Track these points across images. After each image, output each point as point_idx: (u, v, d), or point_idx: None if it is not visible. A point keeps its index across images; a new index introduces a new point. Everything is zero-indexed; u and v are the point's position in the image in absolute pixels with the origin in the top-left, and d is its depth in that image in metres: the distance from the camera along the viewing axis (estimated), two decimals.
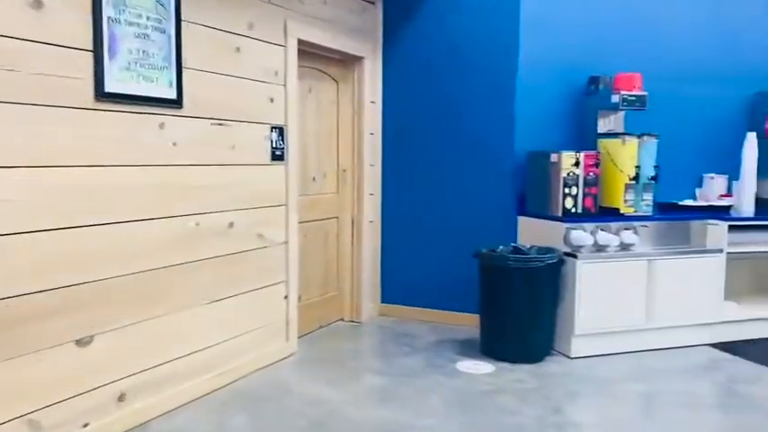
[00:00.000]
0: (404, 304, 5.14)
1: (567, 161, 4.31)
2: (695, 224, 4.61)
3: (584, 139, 4.70)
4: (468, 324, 4.76)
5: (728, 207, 4.85)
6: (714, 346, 4.49)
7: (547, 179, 4.44)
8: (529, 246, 4.34)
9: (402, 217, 5.13)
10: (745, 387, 3.79)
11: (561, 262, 4.16)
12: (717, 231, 4.52)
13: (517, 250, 4.29)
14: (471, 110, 4.84)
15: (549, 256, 4.11)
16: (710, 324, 4.53)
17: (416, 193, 5.07)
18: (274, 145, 3.98)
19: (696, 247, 4.53)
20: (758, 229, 4.72)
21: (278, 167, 4.04)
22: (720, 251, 4.50)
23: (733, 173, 5.02)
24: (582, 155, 4.34)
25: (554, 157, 4.39)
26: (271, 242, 4.00)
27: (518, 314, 4.13)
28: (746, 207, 4.87)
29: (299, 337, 4.37)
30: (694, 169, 5.10)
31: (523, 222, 4.66)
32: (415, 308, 5.09)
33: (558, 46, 4.73)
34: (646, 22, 4.94)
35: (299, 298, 4.39)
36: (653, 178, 4.42)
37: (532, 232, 4.54)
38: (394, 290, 5.19)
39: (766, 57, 5.24)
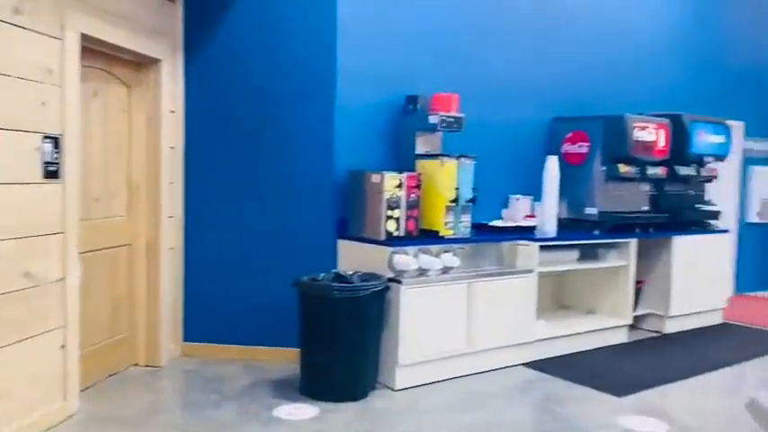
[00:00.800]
0: (212, 342, 4.53)
1: (391, 182, 4.11)
2: (507, 245, 4.68)
3: (403, 159, 4.54)
4: (286, 360, 4.31)
5: (533, 227, 5.01)
6: (528, 365, 4.56)
7: (369, 201, 4.19)
8: (351, 272, 4.04)
9: (209, 242, 4.54)
10: (560, 408, 3.84)
11: (387, 289, 3.92)
12: (528, 251, 4.63)
13: (340, 277, 3.96)
14: (287, 124, 4.44)
15: (375, 283, 3.84)
16: (525, 344, 4.60)
17: (226, 216, 4.52)
18: (48, 159, 3.22)
19: (509, 268, 4.59)
20: (561, 249, 4.95)
21: (52, 186, 3.27)
22: (531, 271, 4.60)
23: (536, 194, 5.23)
24: (404, 176, 4.16)
25: (376, 178, 4.15)
26: (42, 280, 3.21)
27: (344, 348, 3.79)
28: (549, 227, 5.08)
29: (81, 392, 3.59)
30: (501, 190, 5.21)
31: (344, 246, 4.36)
32: (226, 345, 4.51)
33: (377, 61, 4.54)
34: (459, 43, 4.97)
35: (81, 345, 3.61)
36: (471, 200, 4.39)
37: (354, 257, 4.25)
38: (200, 326, 4.56)
39: (562, 82, 5.58)
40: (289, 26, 4.43)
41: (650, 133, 5.18)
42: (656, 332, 5.55)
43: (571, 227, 5.20)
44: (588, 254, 5.14)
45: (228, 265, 4.52)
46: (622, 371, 4.54)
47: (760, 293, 7.61)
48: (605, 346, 5.07)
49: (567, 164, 5.27)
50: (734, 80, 7.20)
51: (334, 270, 4.12)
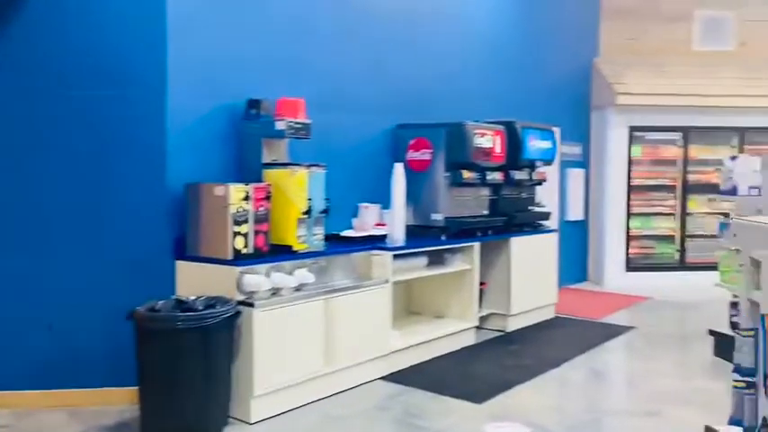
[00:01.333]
0: (27, 388, 3.81)
1: (237, 195, 3.74)
2: (360, 255, 4.52)
3: (248, 169, 4.19)
4: (121, 402, 3.76)
5: (384, 236, 4.92)
6: (386, 378, 4.44)
7: (211, 216, 3.79)
8: (194, 297, 3.61)
9: (10, 269, 3.83)
10: (422, 422, 3.75)
11: (238, 314, 3.55)
12: (382, 261, 4.50)
13: (181, 304, 3.52)
14: (102, 129, 3.88)
15: (224, 308, 3.46)
16: (382, 357, 4.47)
17: (28, 238, 3.84)
18: None
19: (364, 279, 4.44)
20: (411, 256, 4.90)
21: None
22: (387, 281, 4.49)
23: (384, 202, 5.14)
24: (251, 188, 3.82)
25: (219, 191, 3.76)
26: None
27: (190, 383, 3.37)
28: (398, 235, 4.99)
29: None
30: (350, 199, 5.04)
31: (184, 268, 3.91)
32: (45, 391, 3.82)
33: (214, 60, 4.14)
34: (299, 48, 4.71)
35: None
36: (324, 211, 4.16)
37: (196, 280, 3.82)
38: (10, 372, 3.82)
39: (404, 89, 5.56)
40: (107, 15, 3.88)
41: (488, 140, 5.32)
42: (500, 331, 5.73)
43: (418, 233, 5.18)
44: (436, 259, 5.16)
45: (42, 297, 3.84)
46: (477, 375, 4.58)
47: (578, 286, 8.29)
48: (456, 350, 5.12)
49: (411, 170, 5.23)
50: (552, 87, 7.74)
51: (173, 296, 3.68)
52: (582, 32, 8.51)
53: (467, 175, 5.15)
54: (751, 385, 2.92)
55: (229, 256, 3.72)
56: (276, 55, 4.53)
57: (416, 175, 5.25)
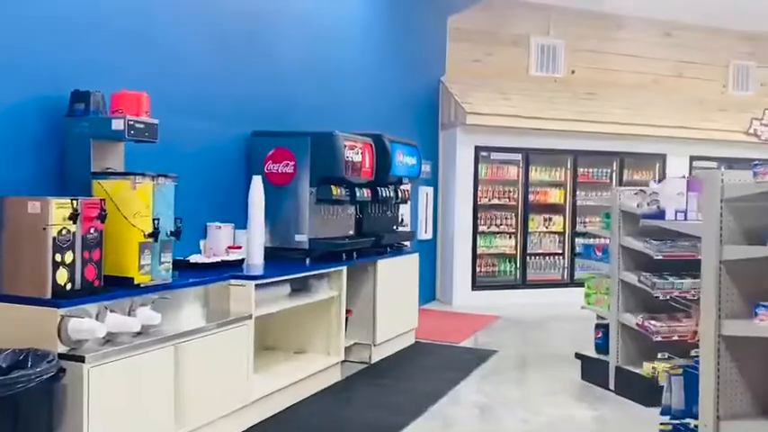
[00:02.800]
0: None
1: (59, 213, 2.83)
2: (216, 286, 3.75)
3: (72, 179, 3.26)
4: None
5: (240, 261, 4.19)
6: None
7: (21, 241, 2.83)
8: None
9: None
10: None
11: (61, 372, 2.64)
12: (243, 293, 3.77)
13: None
14: None
15: (41, 367, 2.54)
16: (243, 408, 3.72)
17: None
18: None
19: (222, 316, 3.67)
20: (272, 284, 4.20)
21: None
22: (249, 316, 3.76)
23: (238, 221, 4.41)
24: (79, 203, 2.92)
25: (34, 207, 2.82)
26: None
27: None
28: (257, 259, 4.30)
29: None
30: (197, 217, 4.22)
31: None
32: None
33: (20, 40, 3.17)
34: (140, 33, 3.85)
35: None
36: (174, 233, 3.34)
37: (0, 327, 2.83)
38: None
39: (261, 90, 4.87)
40: None
41: (358, 153, 4.82)
42: (365, 363, 5.21)
43: (279, 256, 4.52)
44: (300, 287, 4.51)
45: None
46: (352, 421, 4.02)
47: (428, 306, 8.06)
48: (324, 389, 4.50)
49: (271, 185, 4.56)
50: (405, 102, 7.47)
51: None
52: (431, 51, 8.39)
53: (336, 191, 4.58)
54: (678, 428, 2.71)
55: (48, 294, 2.79)
56: (108, 38, 3.64)
57: (276, 189, 4.59)
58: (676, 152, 9.45)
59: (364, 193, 4.91)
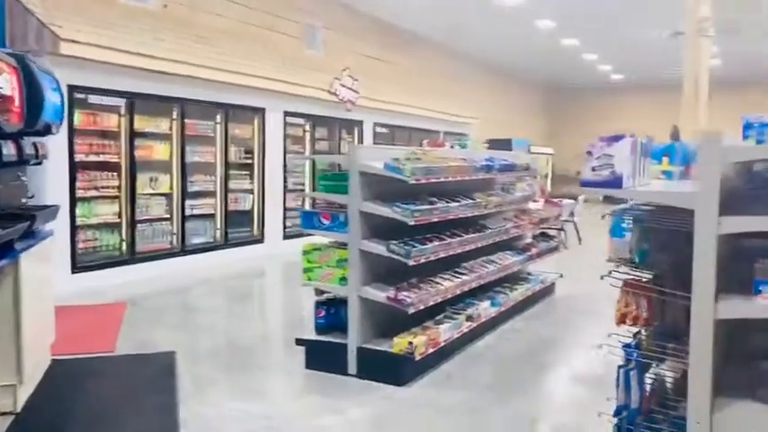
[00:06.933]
0: None
1: None
2: None
3: None
4: None
5: None
6: None
7: None
8: None
9: None
10: None
11: None
12: None
13: None
14: None
15: None
16: None
17: None
18: None
19: None
20: None
21: None
22: None
23: None
24: None
25: None
26: None
27: None
28: None
29: None
30: None
31: None
32: None
33: None
34: None
35: None
36: None
37: None
38: None
39: None
40: None
41: (5, 79, 2.86)
42: (9, 413, 3.31)
43: None
44: None
45: None
46: None
47: None
48: None
49: None
50: None
51: None
52: None
53: None
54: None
55: None
56: None
57: None
58: (274, 107, 9.23)
59: (11, 149, 2.98)
